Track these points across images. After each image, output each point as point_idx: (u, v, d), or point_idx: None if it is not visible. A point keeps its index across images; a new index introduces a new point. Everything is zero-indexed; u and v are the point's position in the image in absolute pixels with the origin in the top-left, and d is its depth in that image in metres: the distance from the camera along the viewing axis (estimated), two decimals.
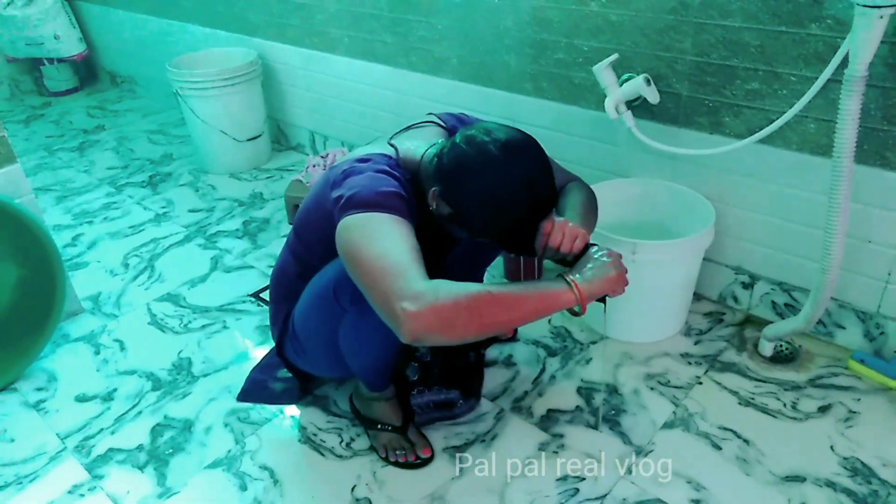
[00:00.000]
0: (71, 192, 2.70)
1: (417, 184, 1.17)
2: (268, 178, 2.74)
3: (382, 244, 1.00)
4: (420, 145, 1.20)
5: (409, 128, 1.28)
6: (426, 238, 1.06)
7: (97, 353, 1.78)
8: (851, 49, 1.20)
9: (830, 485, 1.28)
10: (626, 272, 1.12)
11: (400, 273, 0.96)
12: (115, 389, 1.64)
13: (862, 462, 1.32)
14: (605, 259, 1.10)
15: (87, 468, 1.43)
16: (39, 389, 1.66)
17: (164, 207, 2.53)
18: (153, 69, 3.43)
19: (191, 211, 2.50)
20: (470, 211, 1.10)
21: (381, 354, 1.30)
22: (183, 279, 2.06)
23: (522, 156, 1.07)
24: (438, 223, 1.18)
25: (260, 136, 2.80)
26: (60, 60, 3.81)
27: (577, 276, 1.07)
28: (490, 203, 1.07)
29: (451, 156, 1.09)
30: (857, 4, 1.14)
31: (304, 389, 1.52)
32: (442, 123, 1.31)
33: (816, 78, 1.34)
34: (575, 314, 1.08)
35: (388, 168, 1.13)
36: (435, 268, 1.01)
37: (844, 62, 1.23)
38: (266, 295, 1.85)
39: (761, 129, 1.45)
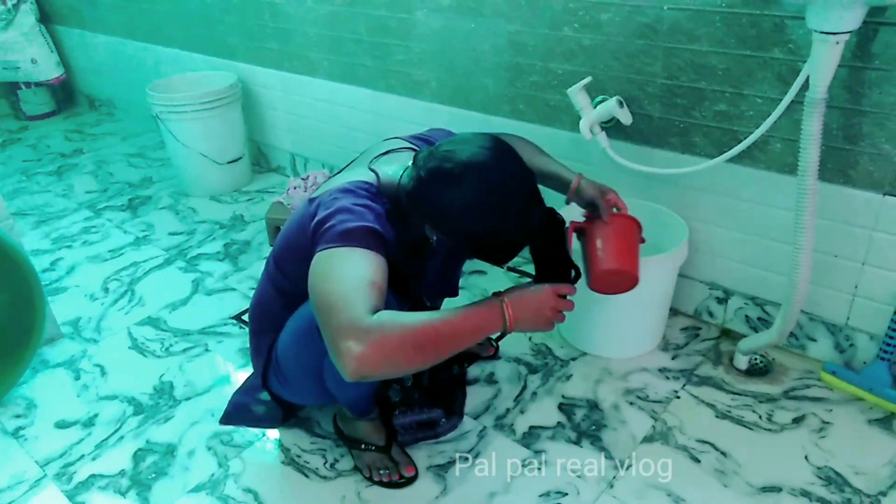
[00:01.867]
0: (49, 217, 2.68)
1: (399, 208, 1.17)
2: (248, 200, 2.75)
3: (336, 279, 1.00)
4: (398, 170, 1.20)
5: (388, 152, 1.28)
6: (408, 256, 1.08)
7: (77, 378, 1.76)
8: (811, 73, 1.25)
9: (805, 494, 1.31)
10: (558, 315, 1.12)
11: (345, 308, 0.95)
12: (95, 415, 1.63)
13: (835, 471, 1.36)
14: (542, 298, 1.10)
15: (68, 495, 1.41)
16: (18, 416, 1.64)
17: (144, 231, 2.53)
18: (132, 92, 3.43)
19: (171, 234, 2.50)
20: (469, 239, 1.11)
21: (366, 387, 1.31)
22: (164, 302, 2.06)
23: (490, 165, 1.07)
24: (421, 239, 1.19)
25: (240, 158, 2.81)
26: (38, 84, 3.80)
27: (512, 306, 1.07)
28: (483, 223, 1.07)
29: (423, 196, 1.09)
30: (815, 31, 1.20)
31: (287, 415, 1.52)
32: (415, 148, 1.32)
33: (781, 99, 1.39)
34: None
35: (368, 199, 1.12)
36: (416, 281, 1.02)
37: (806, 85, 1.28)
38: (247, 317, 1.85)
39: (730, 149, 1.50)
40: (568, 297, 1.13)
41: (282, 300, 1.32)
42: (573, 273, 1.16)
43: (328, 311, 0.97)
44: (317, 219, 1.11)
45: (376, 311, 0.96)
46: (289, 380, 1.34)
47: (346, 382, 1.25)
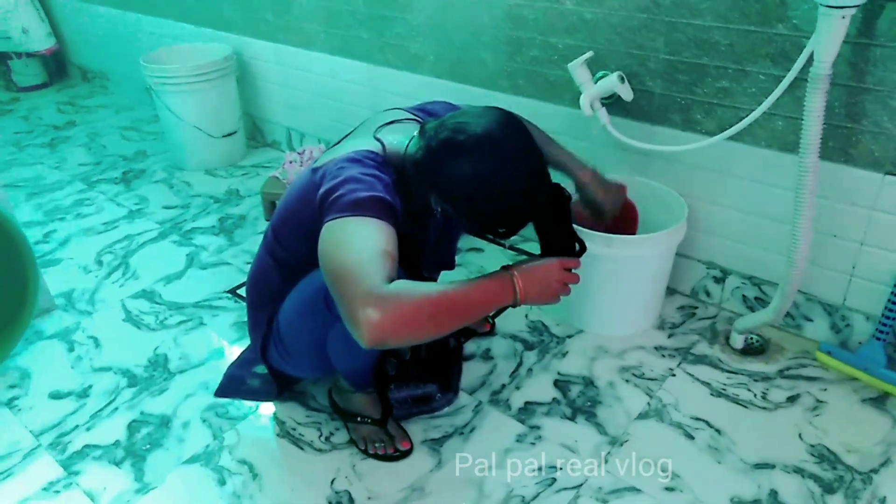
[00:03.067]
0: (42, 189, 2.66)
1: (404, 178, 1.16)
2: (243, 174, 2.72)
3: (351, 248, 0.99)
4: (402, 140, 1.19)
5: (391, 122, 1.26)
6: (409, 227, 1.07)
7: (71, 350, 1.75)
8: (816, 48, 1.24)
9: (798, 471, 1.32)
10: (564, 288, 1.13)
11: (362, 276, 0.95)
12: (90, 386, 1.62)
13: (828, 449, 1.37)
14: (550, 271, 1.11)
15: (63, 465, 1.41)
16: (12, 387, 1.64)
17: (137, 204, 2.51)
18: (125, 64, 3.39)
19: (165, 207, 2.47)
20: (476, 211, 1.10)
21: (369, 358, 1.30)
22: (158, 276, 2.05)
23: (502, 140, 1.07)
24: (422, 210, 1.18)
25: (235, 132, 2.78)
26: (29, 55, 3.74)
27: (522, 279, 1.08)
28: (492, 196, 1.07)
29: (433, 166, 1.08)
30: (821, 5, 1.18)
31: (281, 389, 1.52)
32: (418, 119, 1.30)
33: (784, 76, 1.38)
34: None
35: (375, 169, 1.11)
36: (417, 253, 1.02)
37: (810, 61, 1.27)
38: (243, 291, 1.84)
39: (731, 127, 1.49)
40: (573, 271, 1.14)
41: (281, 272, 1.31)
42: (577, 247, 1.16)
43: (344, 280, 0.96)
44: (323, 188, 1.09)
45: (391, 280, 0.96)
46: (290, 352, 1.33)
47: (349, 354, 1.26)
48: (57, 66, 4.02)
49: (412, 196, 1.17)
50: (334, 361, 1.29)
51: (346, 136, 1.31)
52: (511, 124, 1.10)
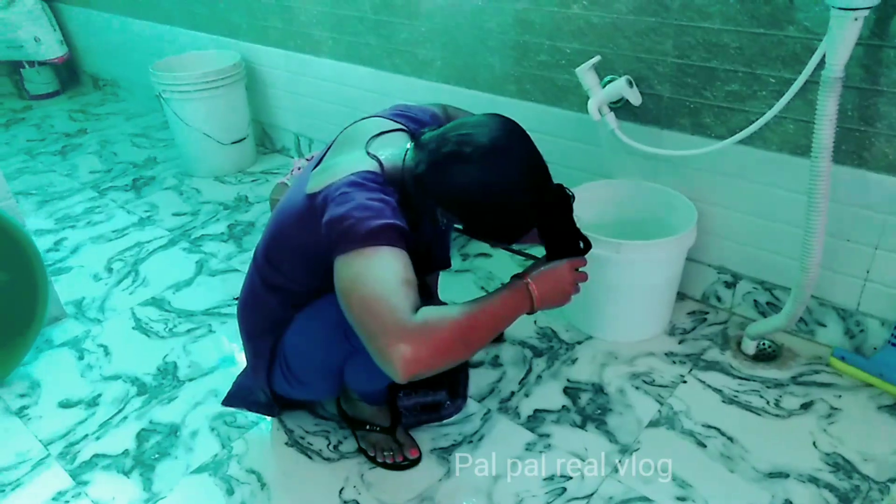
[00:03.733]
0: (53, 197, 2.67)
1: (405, 193, 1.13)
2: (253, 181, 2.73)
3: (371, 282, 0.98)
4: (397, 154, 1.16)
5: (379, 135, 1.22)
6: (416, 242, 1.06)
7: (81, 358, 1.76)
8: (828, 51, 1.22)
9: (813, 480, 1.30)
10: (574, 288, 1.15)
11: (388, 311, 0.94)
12: (99, 395, 1.63)
13: (843, 457, 1.34)
14: (562, 274, 1.12)
15: (72, 474, 1.42)
16: (22, 396, 1.65)
17: (147, 211, 2.52)
18: (136, 72, 3.41)
19: (175, 214, 2.48)
20: (487, 221, 1.10)
21: (387, 379, 1.29)
22: (168, 283, 2.05)
23: (508, 148, 1.06)
24: (420, 218, 1.17)
25: (244, 138, 2.79)
26: (41, 63, 3.77)
27: (537, 286, 1.09)
28: (504, 205, 1.07)
29: (441, 180, 1.07)
30: (833, 7, 1.16)
31: (283, 407, 1.50)
32: (403, 127, 1.26)
33: (795, 79, 1.36)
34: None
35: (380, 192, 1.08)
36: (417, 261, 1.02)
37: (821, 64, 1.25)
38: (238, 319, 1.82)
39: (742, 130, 1.47)
40: (581, 269, 1.15)
41: (277, 297, 1.26)
42: (582, 245, 1.16)
43: (369, 317, 0.95)
44: (329, 216, 1.05)
45: (416, 308, 0.96)
46: (302, 381, 1.31)
47: (368, 380, 1.25)
48: (69, 75, 4.05)
49: (413, 209, 1.15)
50: (352, 385, 1.28)
51: (328, 149, 1.26)
52: (513, 131, 1.09)
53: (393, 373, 0.93)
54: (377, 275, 0.98)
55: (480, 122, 1.10)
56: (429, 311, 0.96)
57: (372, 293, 0.96)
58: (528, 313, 1.10)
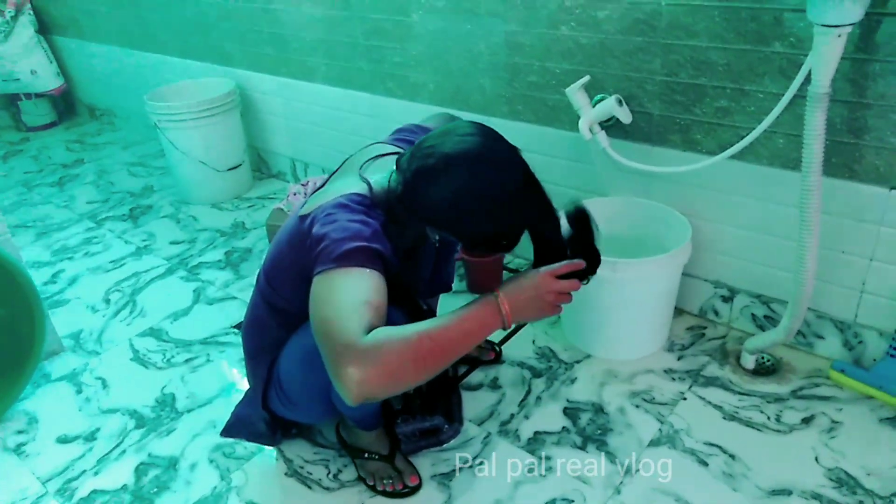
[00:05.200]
0: (50, 229, 2.68)
1: (394, 216, 1.14)
2: (249, 207, 2.74)
3: (331, 303, 0.97)
4: (385, 177, 1.17)
5: (375, 158, 1.24)
6: (406, 264, 1.06)
7: (79, 392, 1.75)
8: (813, 66, 1.23)
9: (817, 497, 1.29)
10: (559, 297, 1.06)
11: (340, 332, 0.93)
12: (97, 429, 1.62)
13: (846, 472, 1.33)
14: (538, 284, 1.05)
15: None
16: (20, 432, 1.64)
17: (145, 240, 2.52)
18: (132, 101, 3.43)
19: (172, 243, 2.49)
20: (472, 230, 1.08)
21: (374, 404, 1.29)
22: (165, 313, 2.05)
23: (471, 150, 1.05)
24: (417, 242, 1.17)
25: (240, 165, 2.80)
26: (38, 95, 3.80)
27: (507, 299, 1.03)
28: (481, 208, 1.04)
29: (414, 197, 1.07)
30: (817, 24, 1.17)
31: (284, 433, 1.50)
32: (401, 150, 1.28)
33: (783, 94, 1.36)
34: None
35: (363, 214, 1.09)
36: (414, 287, 1.01)
37: (808, 79, 1.26)
38: (241, 337, 1.83)
39: (732, 146, 1.47)
40: (571, 281, 1.07)
41: (277, 318, 1.28)
42: (586, 259, 1.10)
43: (325, 337, 0.95)
44: (312, 237, 1.07)
45: (371, 329, 0.94)
46: (294, 402, 1.31)
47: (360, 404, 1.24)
48: (65, 105, 4.08)
49: (405, 232, 1.15)
50: (341, 408, 1.27)
51: (332, 174, 1.29)
52: (484, 134, 1.07)
53: (344, 395, 0.91)
54: (337, 297, 0.98)
55: (443, 131, 1.09)
56: (381, 332, 0.94)
57: (328, 315, 0.96)
58: (504, 329, 1.04)
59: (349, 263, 1.01)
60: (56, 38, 3.79)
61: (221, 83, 2.77)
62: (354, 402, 0.91)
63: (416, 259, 1.33)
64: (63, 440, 1.60)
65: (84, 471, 1.50)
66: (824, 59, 1.20)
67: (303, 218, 1.14)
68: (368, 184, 1.16)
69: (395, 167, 1.13)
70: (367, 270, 1.01)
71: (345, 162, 1.31)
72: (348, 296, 0.98)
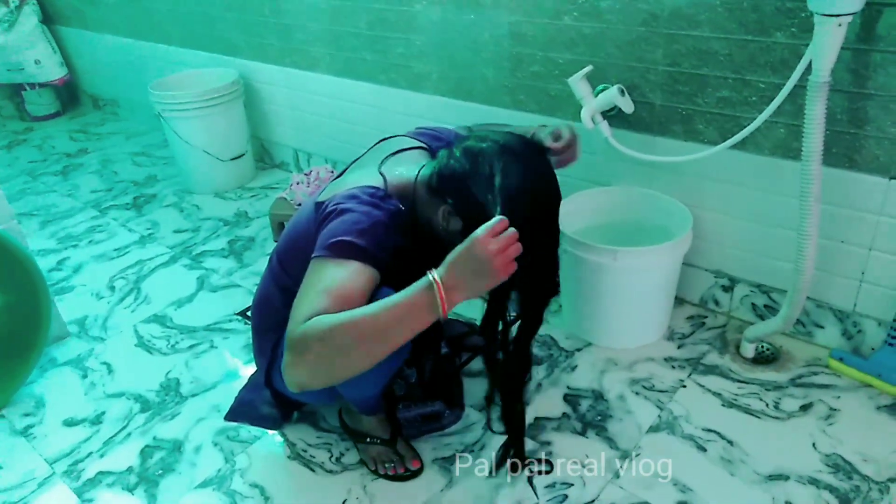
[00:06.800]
0: (55, 217, 2.70)
1: (408, 210, 1.16)
2: (252, 196, 2.75)
3: (303, 290, 1.00)
4: (411, 169, 1.20)
5: (397, 152, 1.27)
6: (416, 258, 1.07)
7: (84, 376, 1.77)
8: (814, 56, 1.23)
9: (814, 482, 1.30)
10: (504, 254, 0.92)
11: (291, 320, 0.94)
12: (103, 412, 1.64)
13: (843, 458, 1.35)
14: (470, 247, 0.93)
15: (77, 492, 1.42)
16: (27, 415, 1.66)
17: (149, 229, 2.54)
18: (135, 91, 3.44)
19: (176, 231, 2.50)
20: (484, 214, 1.05)
21: (378, 386, 1.30)
22: (169, 300, 2.07)
23: (522, 153, 1.10)
24: (429, 239, 1.18)
25: (243, 155, 2.81)
26: (42, 85, 3.81)
27: (441, 275, 0.93)
28: (507, 199, 1.04)
29: (456, 167, 1.10)
30: (817, 13, 1.18)
31: (286, 415, 1.52)
32: (425, 146, 1.32)
33: (784, 84, 1.37)
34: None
35: (369, 206, 1.10)
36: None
37: (809, 69, 1.27)
38: (250, 314, 1.85)
39: (733, 136, 1.48)
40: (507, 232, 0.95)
41: (284, 298, 1.30)
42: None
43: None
44: (320, 223, 1.12)
45: (313, 316, 0.94)
46: None
47: (355, 385, 1.25)
48: (69, 95, 4.09)
49: (417, 228, 1.16)
50: (340, 390, 1.29)
51: (354, 161, 1.32)
52: (530, 144, 1.14)
53: (286, 383, 0.94)
54: (308, 284, 1.01)
55: (497, 131, 1.15)
56: (315, 320, 0.92)
57: (298, 301, 0.99)
58: (444, 305, 0.93)
59: (334, 254, 1.03)
60: (60, 27, 3.80)
61: (225, 73, 2.78)
62: (293, 389, 0.93)
63: (430, 254, 1.35)
64: (69, 423, 1.62)
65: (90, 453, 1.52)
66: (824, 48, 1.21)
67: (318, 205, 1.17)
68: (384, 177, 1.19)
69: (429, 160, 1.18)
70: (347, 261, 1.02)
71: (369, 151, 1.33)
72: (314, 284, 1.00)
